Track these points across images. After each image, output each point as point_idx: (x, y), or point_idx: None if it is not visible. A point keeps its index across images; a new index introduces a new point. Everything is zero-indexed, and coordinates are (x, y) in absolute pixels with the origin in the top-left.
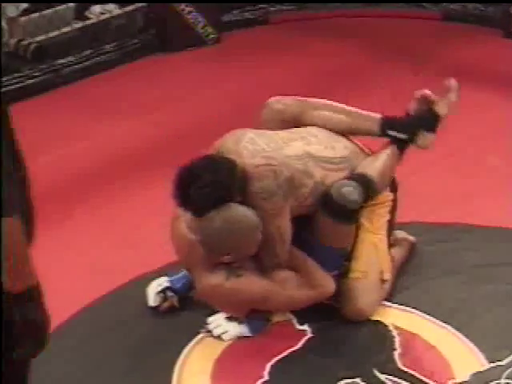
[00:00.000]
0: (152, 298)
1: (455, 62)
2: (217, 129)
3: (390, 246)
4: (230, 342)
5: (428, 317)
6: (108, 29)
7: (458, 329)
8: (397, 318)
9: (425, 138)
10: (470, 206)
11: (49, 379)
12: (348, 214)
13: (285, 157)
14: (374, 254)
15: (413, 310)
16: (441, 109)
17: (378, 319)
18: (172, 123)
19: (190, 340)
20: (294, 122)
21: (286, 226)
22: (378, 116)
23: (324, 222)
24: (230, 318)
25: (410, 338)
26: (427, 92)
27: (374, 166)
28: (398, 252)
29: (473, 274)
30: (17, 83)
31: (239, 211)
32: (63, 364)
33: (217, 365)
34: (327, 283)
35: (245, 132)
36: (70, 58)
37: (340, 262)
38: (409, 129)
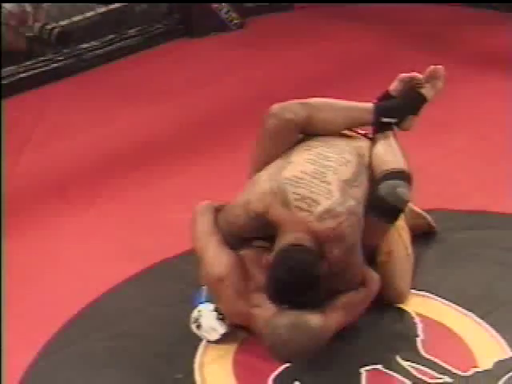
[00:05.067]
0: (219, 327)
1: (481, 49)
2: (242, 114)
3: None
4: None
5: (451, 304)
6: (132, 14)
7: (481, 316)
8: (420, 305)
9: (410, 121)
10: (497, 193)
11: (75, 358)
12: (398, 215)
13: (342, 201)
14: (394, 231)
15: (436, 298)
16: (427, 93)
17: (401, 306)
18: (196, 108)
19: None
20: (300, 127)
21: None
22: (370, 105)
23: (367, 224)
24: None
25: (432, 325)
26: (417, 74)
27: (399, 157)
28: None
29: (498, 261)
30: (41, 67)
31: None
32: (89, 345)
33: (239, 349)
34: (376, 278)
35: (279, 186)
36: (94, 43)
37: (371, 256)
38: (399, 114)
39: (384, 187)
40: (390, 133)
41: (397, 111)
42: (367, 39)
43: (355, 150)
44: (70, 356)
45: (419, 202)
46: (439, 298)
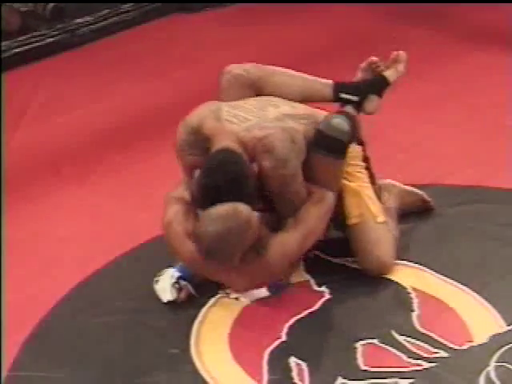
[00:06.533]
0: (168, 292)
1: (477, 25)
2: None
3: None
4: (248, 302)
5: (446, 278)
6: None
7: (476, 291)
8: (415, 279)
9: (372, 102)
10: (492, 168)
11: (70, 334)
12: (340, 147)
13: (272, 121)
14: (359, 199)
15: (431, 272)
16: (390, 75)
17: (396, 281)
18: (191, 84)
19: (208, 300)
20: (253, 87)
21: (302, 182)
22: (330, 81)
23: (315, 163)
24: None
25: (428, 299)
26: (372, 58)
27: (348, 110)
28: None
29: (492, 235)
30: (35, 42)
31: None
32: (85, 320)
33: (235, 324)
34: (328, 194)
35: (218, 106)
36: (88, 18)
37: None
38: (360, 91)
39: (322, 122)
40: (350, 107)
41: (355, 88)
42: (365, 14)
43: (310, 109)
44: (66, 331)
45: (413, 177)
46: (434, 273)
